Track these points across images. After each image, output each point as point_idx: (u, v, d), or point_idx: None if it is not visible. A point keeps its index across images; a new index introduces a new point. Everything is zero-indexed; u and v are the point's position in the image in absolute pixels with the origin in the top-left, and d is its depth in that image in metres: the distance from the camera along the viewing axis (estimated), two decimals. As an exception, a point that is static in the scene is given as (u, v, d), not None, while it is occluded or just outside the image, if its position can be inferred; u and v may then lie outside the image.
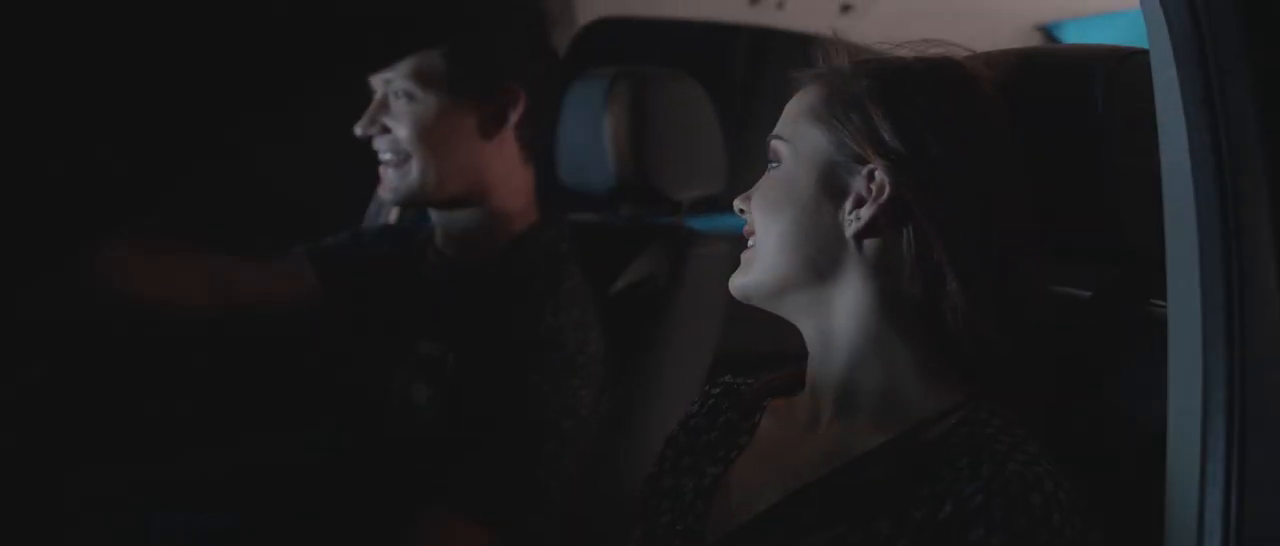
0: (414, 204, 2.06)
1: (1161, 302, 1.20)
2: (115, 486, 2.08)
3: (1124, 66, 1.33)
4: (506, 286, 1.96)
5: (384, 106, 1.98)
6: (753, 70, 3.30)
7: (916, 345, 1.29)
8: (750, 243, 1.37)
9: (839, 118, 1.32)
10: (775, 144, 1.37)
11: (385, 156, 1.99)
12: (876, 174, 1.28)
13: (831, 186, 1.31)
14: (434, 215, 2.07)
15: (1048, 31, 2.97)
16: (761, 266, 1.35)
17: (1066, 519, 1.15)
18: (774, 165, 1.37)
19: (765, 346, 1.46)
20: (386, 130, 1.98)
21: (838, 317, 1.32)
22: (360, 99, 2.01)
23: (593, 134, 2.22)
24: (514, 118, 2.00)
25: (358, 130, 1.98)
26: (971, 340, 1.27)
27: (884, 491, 1.22)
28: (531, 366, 1.87)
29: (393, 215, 2.55)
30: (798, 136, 1.35)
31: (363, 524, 1.96)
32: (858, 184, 1.30)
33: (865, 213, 1.29)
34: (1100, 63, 1.34)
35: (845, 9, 2.80)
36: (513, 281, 1.96)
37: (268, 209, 2.47)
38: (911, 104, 1.30)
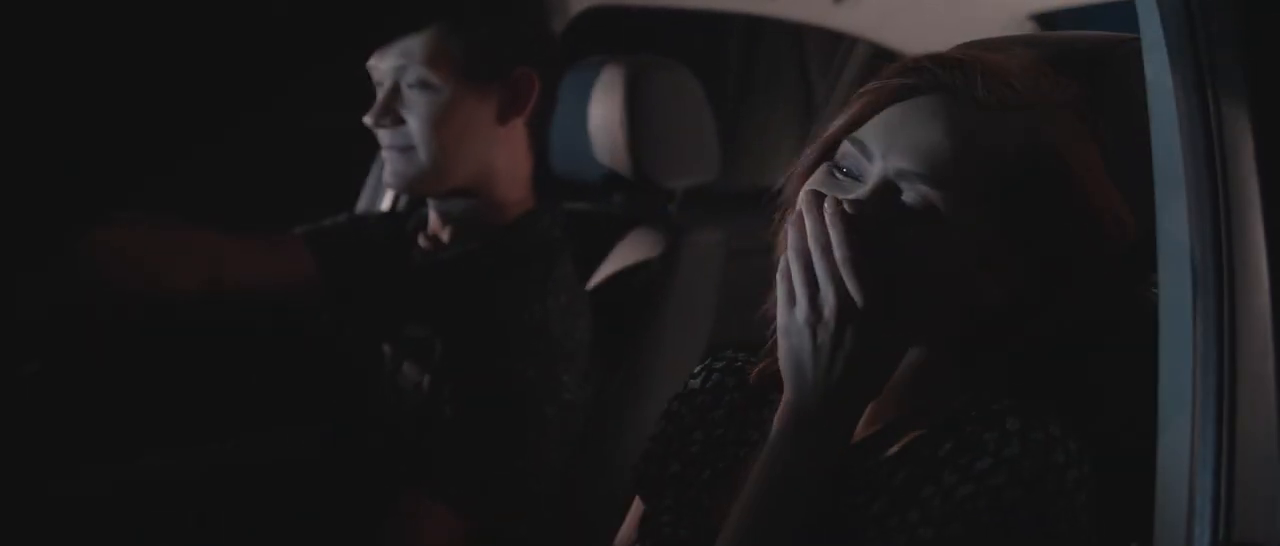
0: (420, 193, 2.05)
1: (1153, 288, 1.21)
2: (112, 476, 2.08)
3: (1118, 53, 1.33)
4: (498, 271, 1.96)
5: (397, 95, 1.95)
6: (745, 59, 3.30)
7: (965, 366, 1.25)
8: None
9: (1036, 193, 1.18)
10: (925, 189, 1.16)
11: (393, 145, 1.97)
12: (1048, 261, 1.19)
13: (1005, 256, 1.19)
14: (432, 202, 2.06)
15: (1042, 20, 2.97)
16: (903, 342, 1.19)
17: (1072, 462, 1.14)
18: (920, 213, 1.16)
19: (758, 337, 1.45)
20: (400, 120, 1.95)
21: (921, 343, 1.24)
22: (355, 81, 1.99)
23: (585, 123, 2.22)
24: (528, 104, 1.99)
25: (368, 120, 1.96)
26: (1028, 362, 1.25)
27: (898, 461, 1.22)
28: (516, 351, 1.86)
29: (388, 199, 2.55)
30: (969, 192, 1.16)
31: (348, 507, 1.96)
32: (1009, 255, 1.19)
33: (1011, 287, 1.20)
34: (1094, 50, 1.34)
35: (838, -1, 2.80)
36: (504, 266, 1.96)
37: (264, 192, 2.47)
38: (1095, 174, 1.21)
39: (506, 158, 2.01)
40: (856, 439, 1.25)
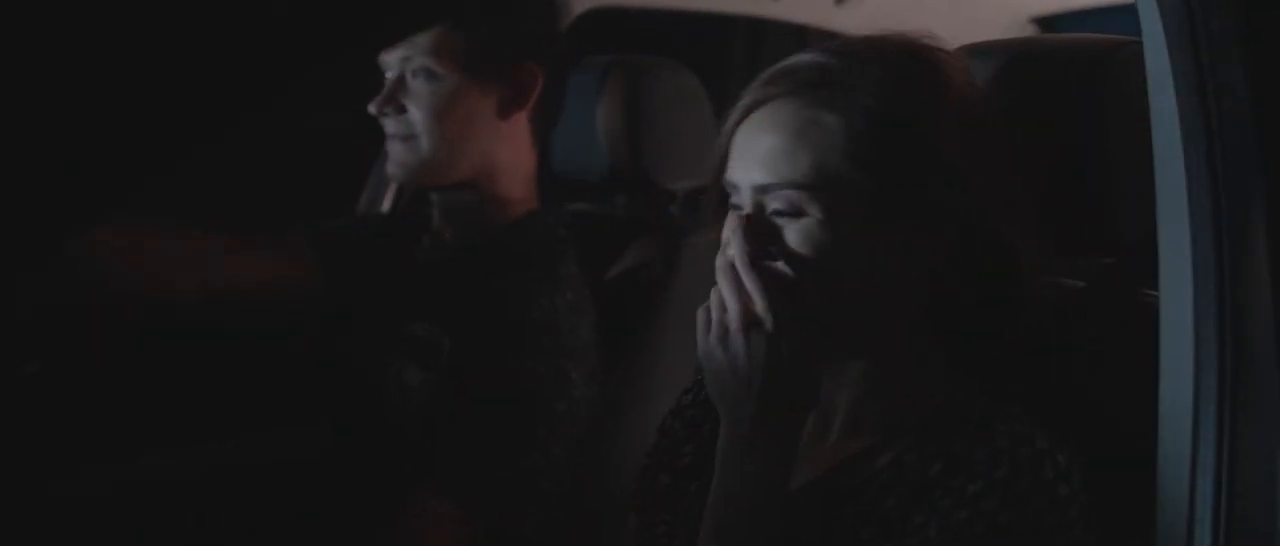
0: (421, 183, 2.05)
1: (1154, 292, 1.21)
2: (112, 476, 2.08)
3: (1119, 56, 1.32)
4: (503, 269, 1.96)
5: (401, 85, 1.96)
6: (748, 60, 3.30)
7: (933, 355, 1.27)
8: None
9: (890, 160, 1.19)
10: (785, 193, 1.20)
11: (396, 134, 1.97)
12: (947, 225, 1.21)
13: (893, 236, 1.20)
14: (435, 197, 2.06)
15: (1044, 23, 2.97)
16: (835, 351, 1.23)
17: (1062, 477, 1.15)
18: (793, 216, 1.20)
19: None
20: (403, 109, 1.96)
21: (864, 346, 1.26)
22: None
23: (587, 124, 2.22)
24: (531, 99, 1.99)
25: (373, 108, 1.97)
26: (988, 342, 1.26)
27: (887, 470, 1.22)
28: (527, 348, 1.86)
29: (389, 199, 2.55)
30: (831, 185, 1.19)
31: (356, 508, 1.96)
32: (917, 231, 1.21)
33: (937, 259, 1.22)
34: (1094, 53, 1.34)
35: (839, 0, 2.80)
36: (510, 264, 1.96)
37: (266, 192, 2.47)
38: (963, 130, 1.21)
39: (510, 154, 2.01)
40: (846, 454, 1.26)
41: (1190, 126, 1.12)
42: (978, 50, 1.42)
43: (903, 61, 1.24)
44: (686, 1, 2.78)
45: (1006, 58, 1.39)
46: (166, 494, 2.10)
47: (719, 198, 1.28)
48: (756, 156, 1.22)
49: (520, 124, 2.01)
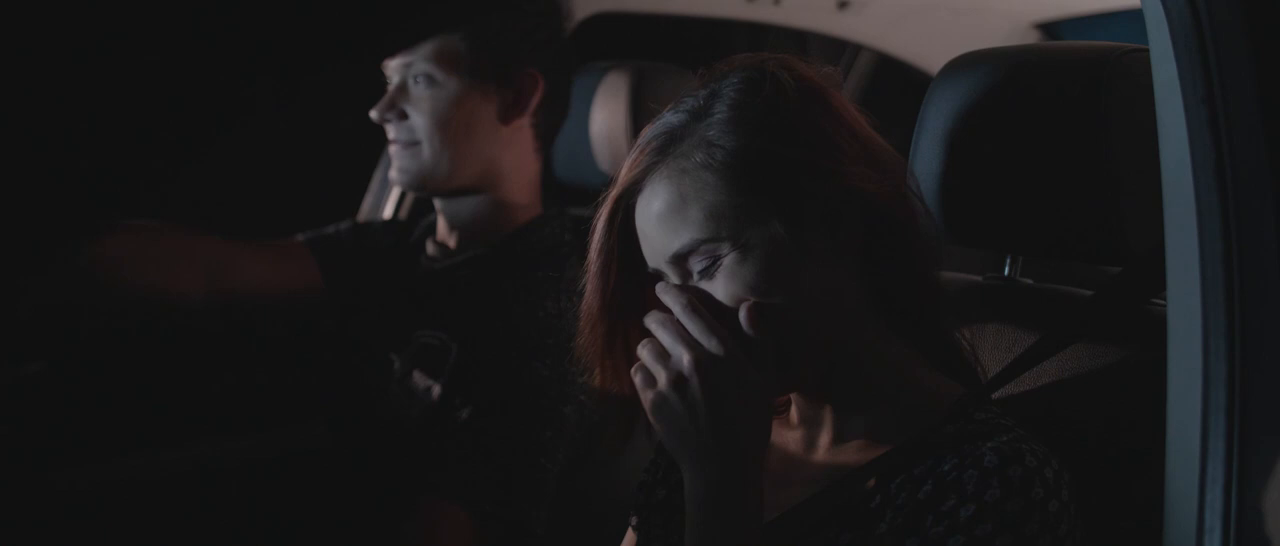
0: (425, 190, 2.05)
1: (1162, 301, 1.20)
2: (115, 478, 2.08)
3: (1123, 63, 1.32)
4: (509, 273, 1.95)
5: (403, 91, 1.96)
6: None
7: (907, 361, 1.30)
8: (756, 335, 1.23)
9: (756, 173, 1.23)
10: (708, 248, 1.24)
11: (398, 139, 1.97)
12: (839, 214, 1.24)
13: (802, 242, 1.24)
14: (439, 203, 2.06)
15: (1046, 29, 2.96)
16: (794, 372, 1.27)
17: (1052, 493, 1.16)
18: (714, 266, 1.24)
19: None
20: (404, 115, 1.96)
21: (826, 359, 1.28)
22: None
23: (587, 129, 2.22)
24: (532, 104, 1.99)
25: (374, 114, 1.97)
26: (948, 337, 1.29)
27: (877, 494, 1.22)
28: (532, 350, 1.86)
29: (391, 206, 2.55)
30: (728, 220, 1.23)
31: (362, 513, 1.96)
32: (822, 233, 1.25)
33: (854, 254, 1.26)
34: (1099, 60, 1.34)
35: (842, 5, 2.80)
36: (516, 268, 1.96)
37: (272, 197, 2.47)
38: (809, 120, 1.26)
39: (512, 159, 2.01)
40: (835, 471, 1.28)
41: (1197, 133, 1.12)
42: (981, 57, 1.42)
43: (732, 86, 1.28)
44: (689, 6, 2.78)
45: (1010, 65, 1.39)
46: (167, 493, 2.10)
47: (628, 294, 1.33)
48: (659, 235, 1.26)
49: (522, 129, 2.01)
